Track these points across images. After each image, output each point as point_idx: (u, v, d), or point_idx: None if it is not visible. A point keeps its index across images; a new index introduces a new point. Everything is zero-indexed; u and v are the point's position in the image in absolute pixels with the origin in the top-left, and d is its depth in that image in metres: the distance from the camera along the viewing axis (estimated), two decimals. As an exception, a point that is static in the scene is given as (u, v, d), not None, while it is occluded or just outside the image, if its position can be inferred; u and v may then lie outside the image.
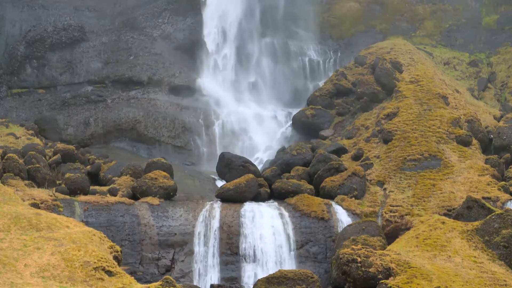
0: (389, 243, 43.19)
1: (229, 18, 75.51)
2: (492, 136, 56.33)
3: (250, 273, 44.07)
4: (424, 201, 47.74)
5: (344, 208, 47.42)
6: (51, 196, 44.21)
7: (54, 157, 51.91)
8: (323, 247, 45.44)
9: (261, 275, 42.15)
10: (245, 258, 44.55)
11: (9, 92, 67.02)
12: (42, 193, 44.30)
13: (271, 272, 40.56)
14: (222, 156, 53.83)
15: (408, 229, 44.37)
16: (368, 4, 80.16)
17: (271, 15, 77.01)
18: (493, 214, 41.11)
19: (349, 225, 45.15)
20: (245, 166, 51.89)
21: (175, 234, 45.04)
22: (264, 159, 62.13)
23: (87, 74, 68.38)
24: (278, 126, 68.30)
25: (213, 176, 57.69)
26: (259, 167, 55.93)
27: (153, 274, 43.57)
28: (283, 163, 53.81)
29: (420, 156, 51.66)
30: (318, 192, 49.97)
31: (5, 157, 46.81)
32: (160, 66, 69.38)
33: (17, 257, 31.55)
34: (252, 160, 56.15)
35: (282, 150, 57.37)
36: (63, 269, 31.17)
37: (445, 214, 45.46)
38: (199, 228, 45.29)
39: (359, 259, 37.09)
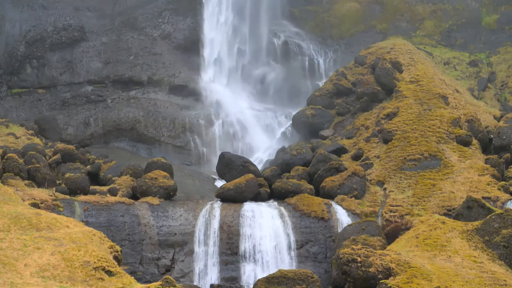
0: (389, 243, 43.18)
1: (229, 18, 75.48)
2: (492, 136, 56.26)
3: (250, 273, 44.03)
4: (424, 201, 47.71)
5: (344, 208, 47.39)
6: (51, 196, 44.19)
7: (54, 157, 51.91)
8: (323, 247, 45.42)
9: (261, 275, 42.14)
10: (245, 258, 44.52)
11: (9, 92, 67.04)
12: (42, 193, 44.28)
13: (271, 272, 40.54)
14: (222, 156, 53.80)
15: (408, 229, 44.34)
16: (368, 4, 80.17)
17: (271, 15, 76.99)
18: (493, 214, 41.10)
19: (349, 225, 45.13)
20: (245, 166, 51.86)
21: (175, 234, 45.02)
22: (264, 159, 62.10)
23: (87, 74, 68.39)
24: (278, 126, 68.28)
25: (213, 176, 57.69)
26: (259, 167, 55.92)
27: (153, 274, 43.56)
28: (283, 163, 53.80)
29: (420, 156, 51.64)
30: (318, 192, 49.95)
31: (5, 157, 46.80)
32: (160, 66, 69.38)
33: (17, 257, 31.54)
34: (252, 160, 56.12)
35: (282, 150, 57.32)
36: (63, 269, 31.16)
37: (445, 214, 45.43)
38: (199, 228, 45.26)
39: (359, 259, 37.09)
